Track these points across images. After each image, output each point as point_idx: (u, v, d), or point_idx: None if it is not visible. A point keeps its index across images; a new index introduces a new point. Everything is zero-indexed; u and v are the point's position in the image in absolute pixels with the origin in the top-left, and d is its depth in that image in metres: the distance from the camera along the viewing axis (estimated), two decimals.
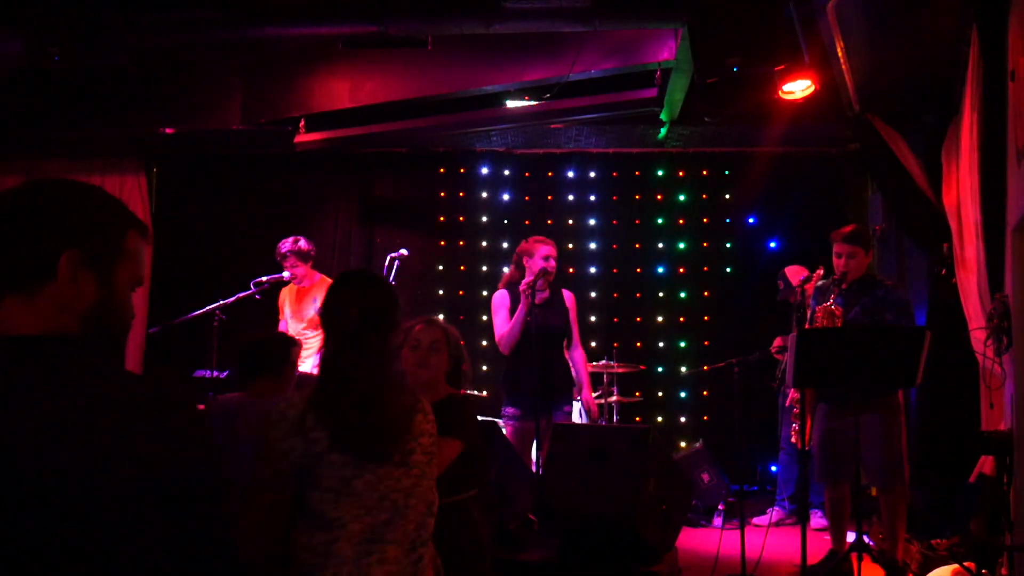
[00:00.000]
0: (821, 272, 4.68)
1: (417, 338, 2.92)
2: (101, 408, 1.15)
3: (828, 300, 4.56)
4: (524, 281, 4.87)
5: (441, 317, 7.49)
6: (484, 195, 7.54)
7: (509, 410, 4.94)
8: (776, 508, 5.81)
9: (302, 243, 5.75)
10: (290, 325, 5.93)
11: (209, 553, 1.20)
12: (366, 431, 2.07)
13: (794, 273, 6.00)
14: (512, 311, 4.95)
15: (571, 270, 7.31)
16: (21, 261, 1.22)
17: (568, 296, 5.09)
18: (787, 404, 4.98)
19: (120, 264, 1.29)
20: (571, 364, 5.05)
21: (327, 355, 2.19)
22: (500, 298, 5.07)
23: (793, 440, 4.88)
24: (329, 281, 5.93)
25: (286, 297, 6.02)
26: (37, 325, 1.21)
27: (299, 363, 3.70)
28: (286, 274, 5.76)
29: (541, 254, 4.95)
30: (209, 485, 1.21)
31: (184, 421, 1.22)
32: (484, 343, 7.42)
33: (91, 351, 1.23)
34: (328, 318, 2.18)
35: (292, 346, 3.58)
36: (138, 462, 1.14)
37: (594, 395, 5.52)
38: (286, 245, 5.74)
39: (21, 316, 1.21)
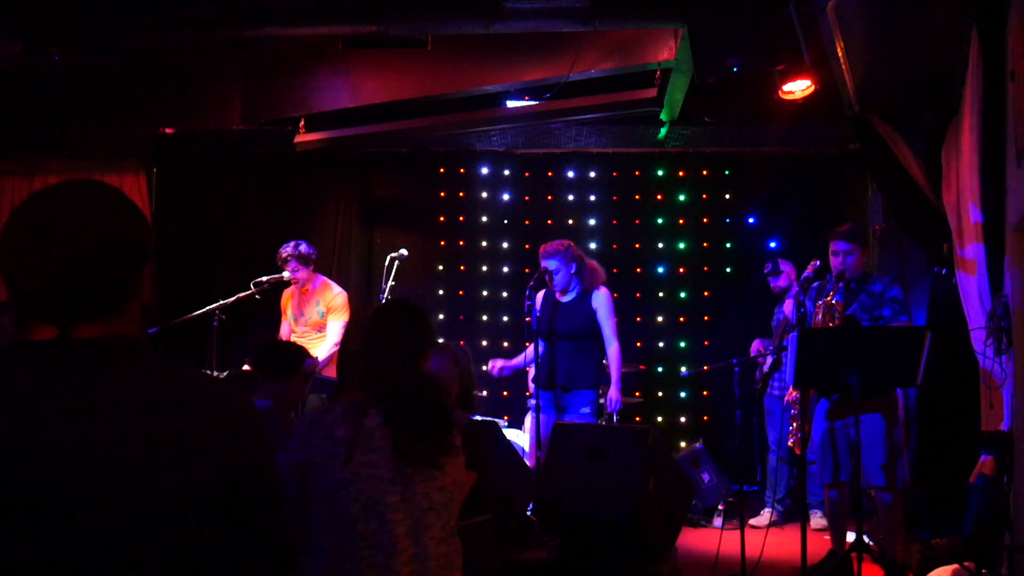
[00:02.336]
0: (817, 263, 4.69)
1: None
2: (181, 404, 1.17)
3: (827, 296, 4.57)
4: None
5: (441, 317, 7.51)
6: (484, 195, 7.54)
7: (531, 402, 5.20)
8: (770, 510, 5.81)
9: (303, 247, 5.75)
10: (292, 327, 5.93)
11: (269, 550, 1.21)
12: None
13: (788, 268, 6.01)
14: (533, 312, 5.15)
15: None
16: (113, 290, 1.20)
17: (598, 296, 5.17)
18: (785, 403, 4.97)
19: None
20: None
21: None
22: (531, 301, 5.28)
23: (790, 444, 4.88)
24: (331, 284, 5.96)
25: (288, 300, 6.02)
26: (109, 332, 1.21)
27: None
28: (286, 274, 5.77)
29: (542, 267, 5.16)
30: (271, 482, 1.23)
31: (252, 417, 1.24)
32: (484, 343, 7.42)
33: (153, 350, 1.24)
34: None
35: (306, 357, 3.58)
36: (213, 457, 1.16)
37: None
38: (287, 249, 5.75)
39: (104, 330, 1.20)
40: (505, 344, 7.36)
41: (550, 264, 5.12)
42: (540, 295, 5.30)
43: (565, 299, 5.20)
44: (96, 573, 1.09)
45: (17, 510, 1.08)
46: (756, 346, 5.80)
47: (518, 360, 5.38)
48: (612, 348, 5.15)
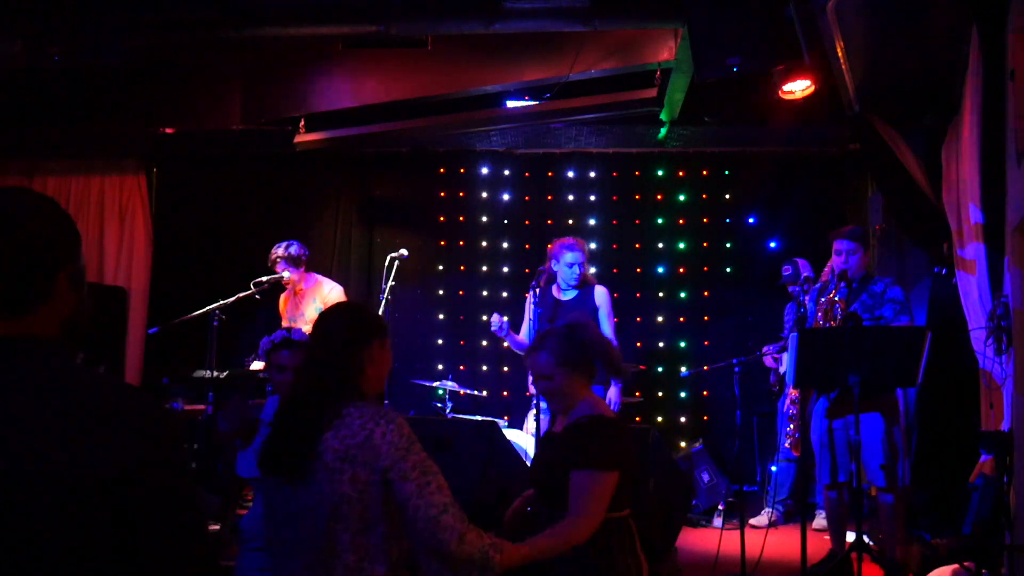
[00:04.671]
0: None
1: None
2: (83, 404, 1.18)
3: (830, 294, 4.57)
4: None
5: (441, 317, 7.51)
6: (484, 195, 7.54)
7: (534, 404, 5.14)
8: (771, 510, 5.81)
9: (293, 249, 5.74)
10: (292, 327, 5.92)
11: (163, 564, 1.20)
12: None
13: (805, 267, 6.00)
14: (532, 309, 5.12)
15: None
16: (23, 290, 1.23)
17: (600, 293, 5.16)
18: (786, 406, 4.97)
19: (85, 274, 1.33)
20: None
21: None
22: (528, 298, 5.25)
23: (787, 445, 4.88)
24: (327, 282, 5.95)
25: (285, 302, 6.03)
26: (24, 333, 1.23)
27: None
28: (285, 274, 5.77)
29: (563, 260, 5.11)
30: (167, 492, 1.21)
31: (151, 425, 1.22)
32: (484, 343, 7.42)
33: (67, 351, 1.25)
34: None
35: None
36: (108, 456, 1.16)
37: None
38: (277, 251, 5.75)
39: (11, 328, 1.22)
40: (505, 344, 7.34)
41: (576, 256, 5.08)
42: (531, 297, 5.21)
43: (566, 297, 5.18)
44: None
45: None
46: (767, 350, 5.78)
47: (521, 338, 5.32)
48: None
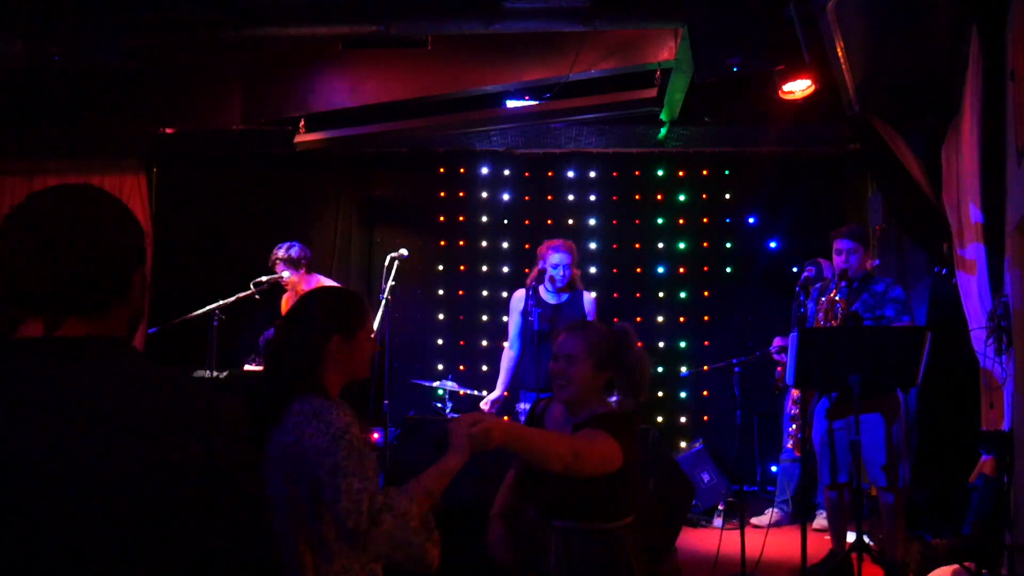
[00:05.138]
0: (811, 271, 4.71)
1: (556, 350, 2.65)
2: (167, 402, 1.21)
3: (830, 294, 4.57)
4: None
5: (441, 317, 7.51)
6: (484, 195, 7.54)
7: (520, 406, 5.10)
8: (774, 509, 5.80)
9: (293, 251, 5.73)
10: None
11: (244, 550, 1.23)
12: None
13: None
14: (521, 312, 5.11)
15: None
16: (104, 289, 1.25)
17: (589, 300, 5.16)
18: (789, 406, 4.97)
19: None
20: None
21: None
22: (514, 297, 5.24)
23: (790, 445, 4.88)
24: (327, 282, 5.95)
25: (286, 302, 6.03)
26: (99, 332, 1.25)
27: None
28: (285, 275, 5.77)
29: (548, 261, 5.08)
30: (247, 486, 1.25)
31: (229, 420, 1.26)
32: (484, 343, 7.42)
33: (137, 352, 1.29)
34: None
35: None
36: (185, 454, 1.18)
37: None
38: (277, 252, 5.75)
39: (91, 328, 1.24)
40: (505, 344, 7.35)
41: (562, 258, 5.06)
42: (517, 297, 5.21)
43: (559, 300, 5.15)
44: (68, 569, 1.11)
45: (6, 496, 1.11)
46: (778, 342, 5.75)
47: (502, 383, 5.32)
48: None
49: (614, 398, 2.72)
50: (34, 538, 1.11)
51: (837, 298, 4.54)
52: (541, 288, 5.15)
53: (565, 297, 5.17)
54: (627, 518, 2.54)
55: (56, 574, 1.11)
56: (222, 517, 1.20)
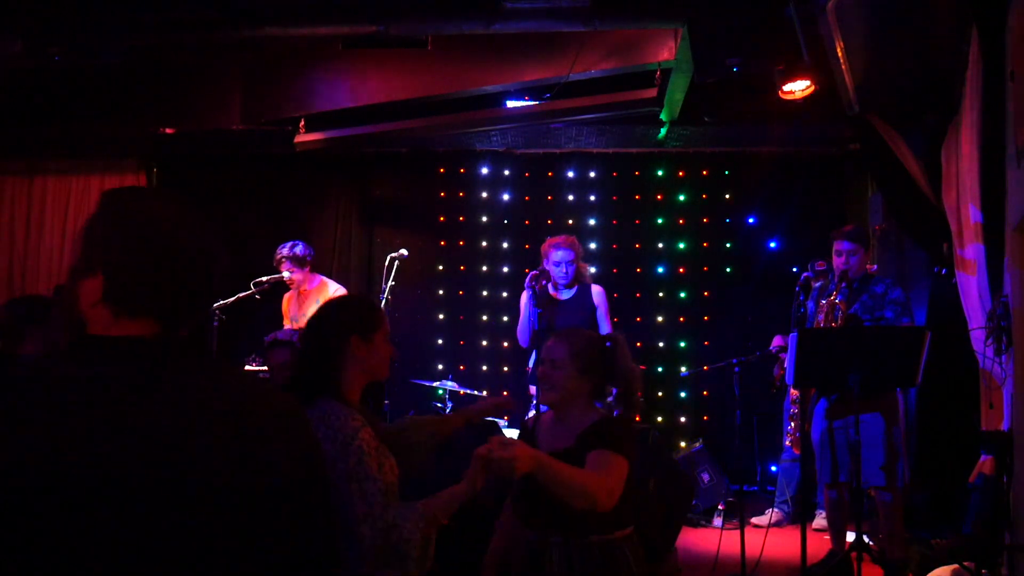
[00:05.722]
0: (823, 267, 4.70)
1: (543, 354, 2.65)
2: (249, 405, 1.23)
3: (830, 296, 4.57)
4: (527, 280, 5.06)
5: (441, 317, 7.51)
6: (484, 195, 7.54)
7: (531, 413, 5.07)
8: (775, 509, 5.81)
9: (298, 249, 5.74)
10: (294, 327, 5.92)
11: (320, 550, 1.24)
12: None
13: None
14: (531, 309, 5.09)
15: None
16: (188, 296, 1.28)
17: (596, 292, 5.16)
18: (789, 404, 4.97)
19: None
20: None
21: None
22: (523, 297, 5.23)
23: (788, 443, 4.88)
24: (329, 282, 5.96)
25: (288, 302, 6.03)
26: (179, 334, 1.28)
27: None
28: (286, 274, 5.77)
29: (551, 259, 5.10)
30: (324, 485, 1.28)
31: (307, 423, 1.29)
32: (485, 343, 7.43)
33: (211, 356, 1.32)
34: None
35: None
36: (261, 458, 1.19)
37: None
38: (282, 251, 5.75)
39: (185, 330, 1.28)
40: (505, 344, 7.36)
41: (564, 255, 5.07)
42: (527, 296, 5.20)
43: (564, 296, 5.17)
44: (163, 564, 1.12)
45: (111, 496, 1.11)
46: (777, 341, 5.75)
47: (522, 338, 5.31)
48: None
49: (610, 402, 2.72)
50: (153, 534, 1.11)
51: (837, 300, 4.53)
52: (549, 286, 5.16)
53: (570, 293, 5.18)
54: (627, 528, 2.51)
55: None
56: (311, 515, 1.22)
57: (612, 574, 2.44)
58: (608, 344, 2.63)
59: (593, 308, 5.12)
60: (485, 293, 7.51)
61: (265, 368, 5.26)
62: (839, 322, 4.51)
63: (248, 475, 1.16)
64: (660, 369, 7.30)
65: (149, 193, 1.30)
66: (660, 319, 7.41)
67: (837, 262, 4.62)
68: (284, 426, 1.22)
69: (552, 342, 2.64)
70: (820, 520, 5.63)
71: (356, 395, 2.22)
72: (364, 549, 1.96)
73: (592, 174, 7.50)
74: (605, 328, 5.09)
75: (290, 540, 1.19)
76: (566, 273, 5.08)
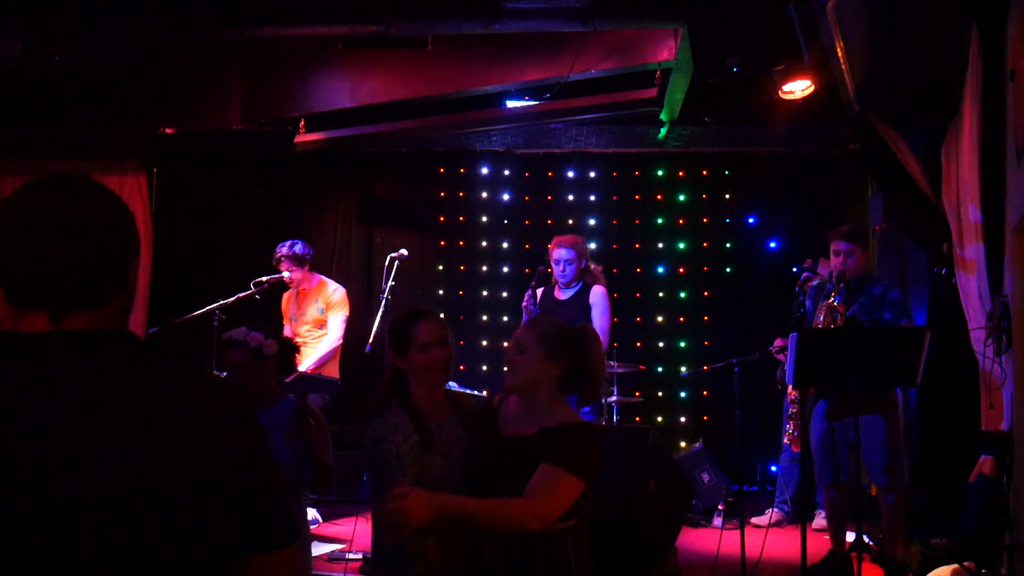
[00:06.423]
0: (808, 263, 4.70)
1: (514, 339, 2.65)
2: (175, 393, 1.21)
3: (829, 298, 4.57)
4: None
5: (441, 316, 7.49)
6: (484, 195, 7.54)
7: None
8: (775, 509, 5.80)
9: (297, 248, 5.74)
10: (294, 329, 5.93)
11: (266, 532, 1.24)
12: None
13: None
14: (532, 309, 5.13)
15: None
16: (104, 281, 1.24)
17: (595, 292, 5.17)
18: (786, 402, 4.96)
19: None
20: None
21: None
22: (527, 296, 5.26)
23: (786, 442, 4.87)
24: (331, 283, 5.95)
25: (287, 302, 6.03)
26: (96, 325, 1.24)
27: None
28: (286, 274, 5.77)
29: (552, 257, 5.16)
30: (264, 471, 1.25)
31: (241, 410, 1.26)
32: (484, 343, 7.42)
33: (142, 344, 1.28)
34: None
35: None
36: (195, 445, 1.18)
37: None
38: (281, 250, 5.75)
39: (91, 321, 1.23)
40: (505, 344, 7.35)
41: (564, 254, 5.10)
42: (537, 295, 5.24)
43: (564, 296, 5.20)
44: (80, 564, 1.11)
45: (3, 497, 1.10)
46: (779, 343, 5.74)
47: None
48: None
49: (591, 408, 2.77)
50: (42, 527, 1.10)
51: (835, 303, 4.53)
52: (555, 286, 5.21)
53: (570, 292, 5.20)
54: (569, 521, 2.46)
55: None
56: (241, 506, 1.20)
57: (549, 564, 2.41)
58: (580, 336, 2.61)
59: (588, 307, 5.13)
60: (485, 293, 7.51)
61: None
62: (838, 324, 4.51)
63: (156, 470, 1.13)
64: (660, 369, 7.29)
65: (42, 183, 1.24)
66: (660, 319, 7.41)
67: (835, 262, 4.62)
68: (205, 420, 1.19)
69: (521, 328, 2.65)
70: (820, 520, 5.63)
71: (419, 402, 2.62)
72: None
73: (592, 174, 7.50)
74: (597, 324, 5.11)
75: (210, 534, 1.18)
76: (564, 272, 5.11)
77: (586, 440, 2.49)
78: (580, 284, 5.19)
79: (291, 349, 3.43)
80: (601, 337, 5.06)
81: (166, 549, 1.14)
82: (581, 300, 5.16)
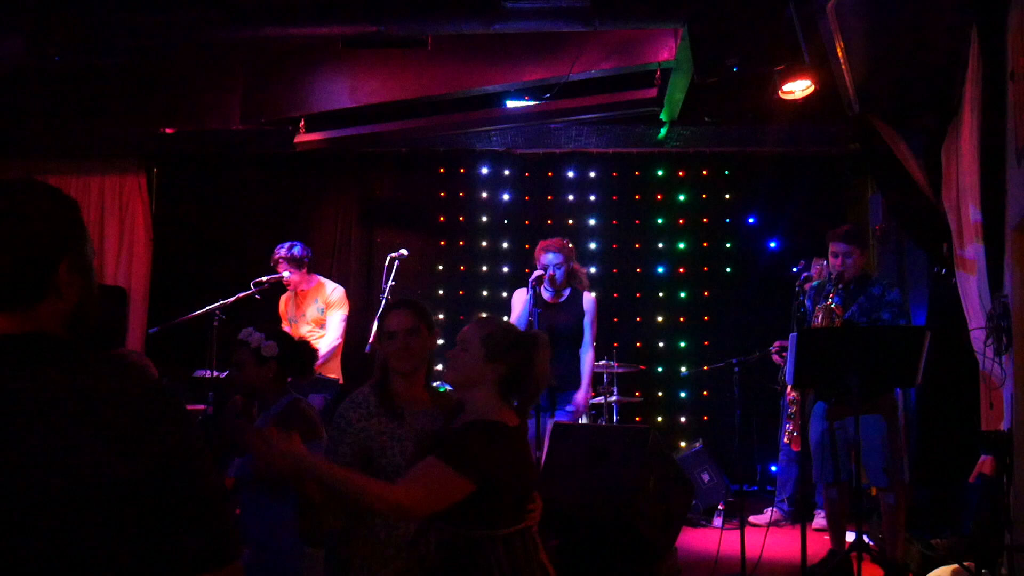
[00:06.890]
0: (802, 265, 4.71)
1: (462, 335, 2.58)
2: (103, 401, 1.16)
3: (827, 300, 4.56)
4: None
5: (441, 316, 7.50)
6: (484, 195, 7.54)
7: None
8: (774, 509, 5.80)
9: (296, 250, 5.74)
10: (293, 328, 5.92)
11: (202, 543, 1.19)
12: None
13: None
14: (521, 312, 5.12)
15: None
16: (20, 282, 1.19)
17: (588, 299, 5.21)
18: (785, 402, 4.97)
19: (93, 265, 1.29)
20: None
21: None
22: (516, 296, 5.30)
23: (786, 441, 4.87)
24: (329, 283, 5.95)
25: (286, 303, 6.03)
26: (25, 329, 1.20)
27: None
28: (286, 274, 5.77)
29: (541, 262, 5.15)
30: (199, 476, 1.20)
31: (175, 414, 1.21)
32: None
33: (77, 350, 1.22)
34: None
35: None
36: (128, 449, 1.14)
37: (594, 395, 5.62)
38: (280, 252, 5.76)
39: (13, 325, 1.19)
40: None
41: (553, 258, 5.10)
42: (524, 298, 5.18)
43: (556, 300, 5.21)
44: (9, 568, 1.08)
45: None
46: (778, 344, 5.74)
47: None
48: (588, 353, 5.17)
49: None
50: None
51: (833, 305, 4.53)
52: (542, 288, 5.18)
53: (562, 297, 5.21)
54: (502, 529, 2.35)
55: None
56: (175, 512, 1.16)
57: (472, 570, 2.32)
58: (526, 338, 2.56)
59: (582, 313, 5.16)
60: (485, 293, 7.51)
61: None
62: (837, 323, 4.51)
63: (82, 476, 1.10)
64: (660, 369, 7.29)
65: None
66: (660, 319, 7.41)
67: (833, 263, 4.62)
68: (133, 423, 1.15)
69: (469, 325, 2.57)
70: (820, 520, 5.63)
71: (394, 382, 2.81)
72: None
73: (592, 174, 7.50)
74: (588, 335, 5.14)
75: (143, 545, 1.14)
76: (559, 275, 5.12)
77: (488, 441, 2.34)
78: (569, 289, 5.21)
79: (308, 354, 3.42)
80: (591, 344, 5.11)
81: (93, 564, 1.10)
82: (575, 305, 5.18)
